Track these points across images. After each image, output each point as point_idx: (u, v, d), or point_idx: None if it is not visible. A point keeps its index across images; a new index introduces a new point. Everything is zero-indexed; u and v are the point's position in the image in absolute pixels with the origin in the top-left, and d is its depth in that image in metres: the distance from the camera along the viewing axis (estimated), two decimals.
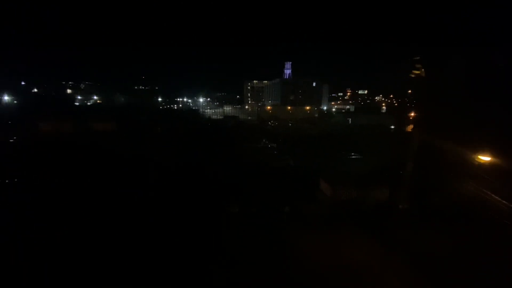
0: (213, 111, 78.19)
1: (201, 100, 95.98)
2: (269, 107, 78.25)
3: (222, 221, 10.27)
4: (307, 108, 74.21)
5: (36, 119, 28.44)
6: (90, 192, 11.96)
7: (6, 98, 48.65)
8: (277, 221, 10.32)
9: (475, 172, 10.46)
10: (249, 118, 62.16)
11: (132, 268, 7.55)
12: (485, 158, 10.35)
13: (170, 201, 11.37)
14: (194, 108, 78.29)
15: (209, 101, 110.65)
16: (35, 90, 64.21)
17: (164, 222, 9.67)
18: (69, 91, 76.56)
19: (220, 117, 59.30)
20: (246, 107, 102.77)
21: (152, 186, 12.81)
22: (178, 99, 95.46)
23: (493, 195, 9.81)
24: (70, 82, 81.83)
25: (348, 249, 8.47)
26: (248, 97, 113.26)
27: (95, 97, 74.28)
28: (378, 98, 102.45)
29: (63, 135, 24.05)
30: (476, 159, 10.76)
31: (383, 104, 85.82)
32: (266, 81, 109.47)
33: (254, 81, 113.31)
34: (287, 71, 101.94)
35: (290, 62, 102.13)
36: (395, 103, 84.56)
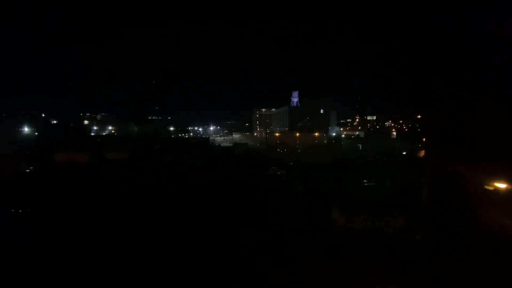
0: (222, 138, 79.62)
1: (211, 128, 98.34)
2: (277, 134, 79.03)
3: (231, 254, 9.99)
4: (316, 134, 74.48)
5: (53, 149, 29.77)
6: (101, 221, 12.05)
7: (26, 129, 51.53)
8: (288, 253, 9.95)
9: (492, 200, 10.01)
10: (258, 144, 62.72)
11: None
12: (501, 185, 9.96)
13: (180, 231, 11.27)
14: (204, 136, 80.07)
15: (219, 129, 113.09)
16: (54, 121, 67.80)
17: (174, 253, 9.52)
18: (86, 122, 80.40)
19: (230, 144, 60.14)
20: (255, 134, 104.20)
21: (162, 214, 12.83)
22: (189, 128, 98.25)
23: None
24: (87, 114, 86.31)
25: (364, 285, 7.99)
26: (257, 124, 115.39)
27: (110, 128, 77.48)
28: (388, 123, 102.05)
29: (77, 165, 24.89)
30: (492, 186, 10.36)
31: (393, 130, 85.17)
32: (274, 109, 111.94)
33: (263, 109, 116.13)
34: (295, 99, 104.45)
35: (297, 91, 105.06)
36: (405, 129, 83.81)
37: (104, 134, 69.56)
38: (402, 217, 11.95)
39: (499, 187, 10.12)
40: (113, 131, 74.82)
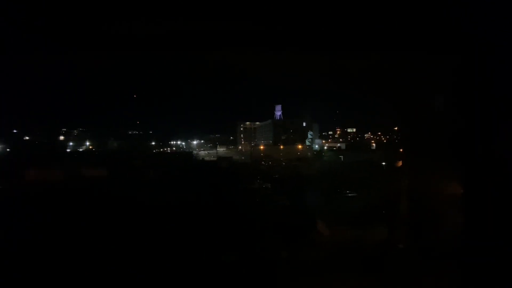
0: (206, 152, 78.55)
1: (194, 142, 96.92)
2: (262, 147, 79.35)
3: (215, 271, 9.65)
4: (299, 147, 75.65)
5: (22, 167, 27.90)
6: (71, 243, 11.26)
7: None
8: (274, 268, 9.78)
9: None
10: (243, 158, 62.51)
11: None
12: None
13: (160, 248, 10.78)
14: (187, 150, 78.71)
15: (203, 142, 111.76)
16: (27, 137, 64.10)
17: (154, 273, 9.04)
18: (61, 137, 76.66)
19: (214, 158, 59.50)
20: (240, 147, 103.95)
21: (141, 232, 12.24)
22: (172, 142, 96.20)
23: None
24: (63, 129, 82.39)
25: None
26: (241, 138, 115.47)
27: (88, 143, 74.30)
28: (367, 135, 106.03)
29: (49, 183, 23.41)
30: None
31: (372, 142, 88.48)
32: (258, 123, 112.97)
33: (247, 123, 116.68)
34: (278, 113, 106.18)
35: (280, 105, 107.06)
36: (383, 140, 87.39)
37: (81, 150, 66.54)
38: (384, 227, 12.20)
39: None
40: (90, 147, 71.77)
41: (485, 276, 7.59)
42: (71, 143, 71.73)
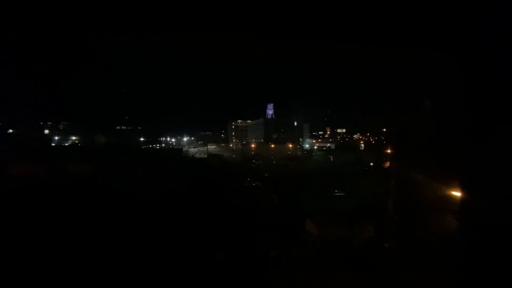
0: (197, 149, 77.79)
1: (185, 139, 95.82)
2: (253, 145, 79.42)
3: (205, 269, 9.58)
4: (290, 146, 76.13)
5: (5, 160, 26.76)
6: (54, 240, 10.91)
7: None
8: (263, 267, 9.81)
9: (449, 208, 10.86)
10: (234, 156, 62.31)
11: None
12: (457, 194, 10.88)
13: (150, 246, 10.60)
14: (177, 147, 77.63)
15: (193, 139, 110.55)
16: (11, 130, 61.62)
17: (145, 272, 8.88)
18: (46, 131, 74.13)
19: (204, 155, 59.01)
20: (231, 145, 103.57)
21: (129, 230, 11.99)
22: (162, 139, 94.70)
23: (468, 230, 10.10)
24: (48, 123, 79.64)
25: None
26: (233, 135, 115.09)
27: (74, 138, 72.19)
28: (356, 136, 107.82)
29: (32, 178, 22.59)
30: (449, 195, 11.26)
31: (361, 142, 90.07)
32: (249, 121, 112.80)
33: (238, 121, 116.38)
34: (270, 112, 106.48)
35: (272, 104, 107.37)
36: (372, 141, 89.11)
37: (66, 144, 64.52)
38: (371, 226, 12.45)
39: (455, 195, 11.02)
40: (77, 142, 69.71)
41: (473, 275, 7.88)
42: (56, 137, 69.51)
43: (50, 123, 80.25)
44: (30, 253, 9.92)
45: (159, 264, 9.56)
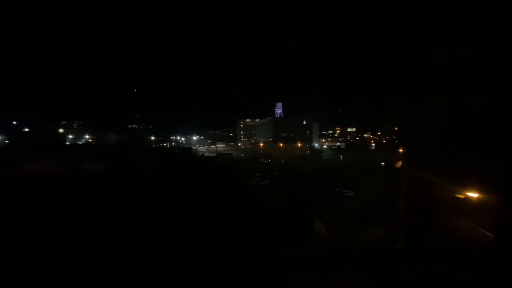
0: (206, 148, 78.57)
1: (194, 138, 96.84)
2: (261, 144, 79.43)
3: (212, 267, 9.63)
4: (299, 145, 75.65)
5: (21, 158, 27.76)
6: (69, 236, 11.23)
7: None
8: (270, 265, 9.77)
9: (464, 209, 10.51)
10: (242, 155, 62.55)
11: None
12: (472, 195, 10.51)
13: (158, 243, 10.75)
14: (187, 146, 78.58)
15: (203, 138, 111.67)
16: (26, 129, 63.94)
17: (151, 269, 9.02)
18: (61, 130, 76.52)
19: (213, 154, 59.45)
20: (239, 144, 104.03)
21: (139, 226, 12.20)
22: (172, 137, 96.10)
23: (486, 232, 9.75)
24: (63, 122, 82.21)
25: None
26: (241, 134, 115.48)
27: (87, 136, 74.21)
28: (367, 135, 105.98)
29: (47, 175, 23.35)
30: (464, 195, 10.90)
31: (372, 141, 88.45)
32: (258, 120, 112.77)
33: (247, 120, 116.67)
34: (278, 111, 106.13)
35: (281, 102, 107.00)
36: (383, 140, 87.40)
37: (80, 143, 66.41)
38: (382, 226, 12.19)
39: (470, 196, 10.66)
40: (90, 140, 71.64)
41: (481, 276, 7.61)
42: (70, 136, 71.64)
43: (65, 122, 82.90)
44: (45, 248, 10.26)
45: (168, 258, 9.68)
